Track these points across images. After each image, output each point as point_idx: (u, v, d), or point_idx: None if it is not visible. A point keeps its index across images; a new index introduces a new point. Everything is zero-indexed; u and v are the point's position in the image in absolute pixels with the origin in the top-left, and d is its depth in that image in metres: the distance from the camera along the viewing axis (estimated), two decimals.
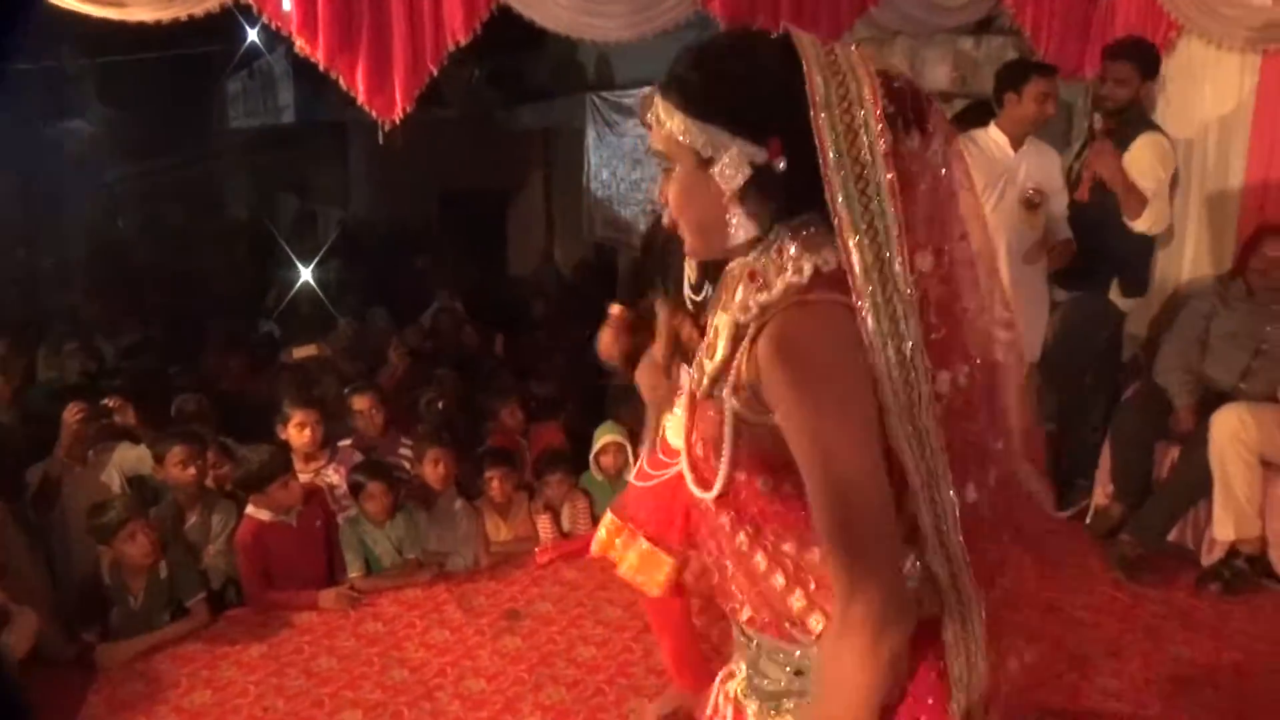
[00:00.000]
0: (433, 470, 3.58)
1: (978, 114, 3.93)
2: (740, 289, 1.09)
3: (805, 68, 1.00)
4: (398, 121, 3.39)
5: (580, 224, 8.62)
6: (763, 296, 1.06)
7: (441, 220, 11.64)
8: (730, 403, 1.07)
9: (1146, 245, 3.89)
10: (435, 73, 3.41)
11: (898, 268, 1.00)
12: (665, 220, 1.15)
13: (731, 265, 1.14)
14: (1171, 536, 3.53)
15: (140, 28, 3.27)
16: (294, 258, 9.32)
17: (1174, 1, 4.05)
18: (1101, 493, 3.78)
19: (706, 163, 1.05)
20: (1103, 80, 3.76)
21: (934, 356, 1.03)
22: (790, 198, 1.05)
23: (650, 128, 1.12)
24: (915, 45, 4.44)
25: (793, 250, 1.05)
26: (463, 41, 3.40)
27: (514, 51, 9.51)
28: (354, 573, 3.40)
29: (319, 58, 3.30)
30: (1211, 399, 3.45)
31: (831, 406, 1.00)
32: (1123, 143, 3.72)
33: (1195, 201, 4.06)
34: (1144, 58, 3.71)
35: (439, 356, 5.38)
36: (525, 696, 2.79)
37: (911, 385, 1.00)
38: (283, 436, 3.74)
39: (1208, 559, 3.40)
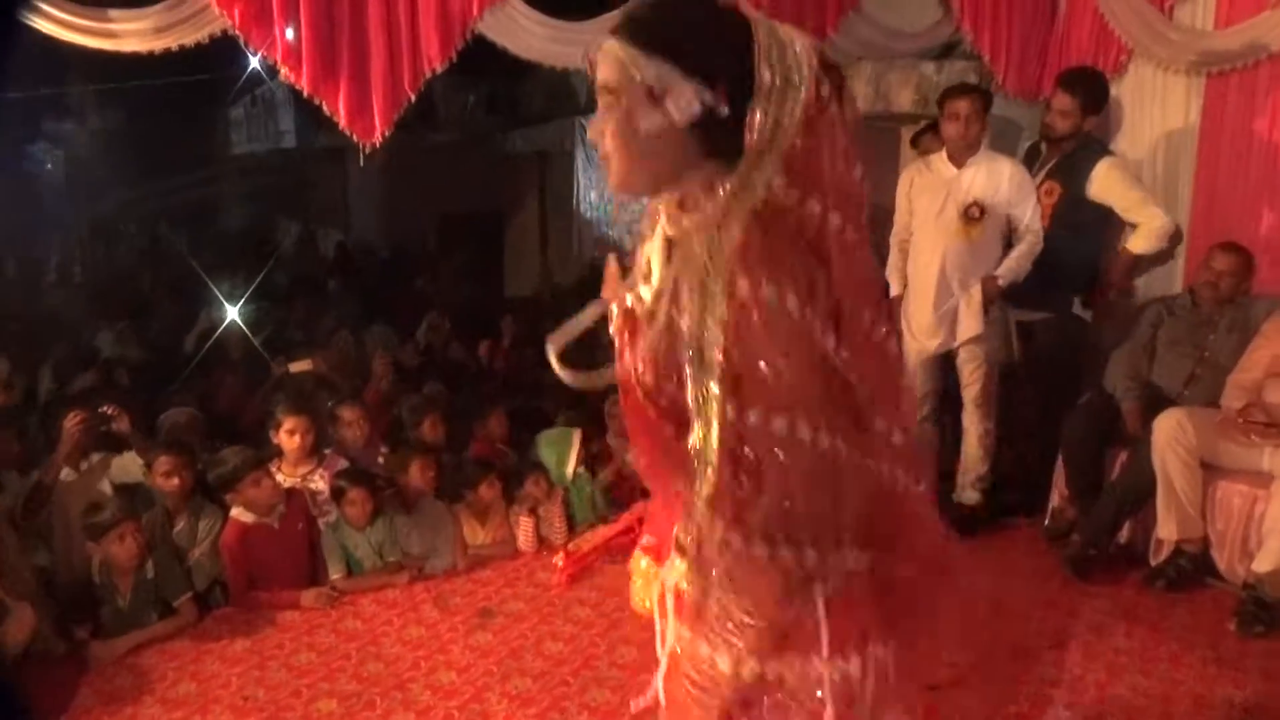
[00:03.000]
0: (420, 475, 3.77)
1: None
2: (666, 217, 1.22)
3: (753, 28, 1.14)
4: (377, 144, 3.58)
5: (572, 244, 8.84)
6: (695, 216, 1.17)
7: (440, 242, 11.89)
8: (679, 320, 1.16)
9: (1096, 262, 4.08)
10: (413, 98, 3.61)
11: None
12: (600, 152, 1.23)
13: (654, 202, 1.25)
14: (1123, 538, 3.68)
15: (146, 54, 3.47)
16: (293, 279, 9.56)
17: (1125, 27, 4.24)
18: (1057, 496, 3.93)
19: (656, 98, 1.15)
20: (1047, 107, 3.94)
21: None
22: (721, 141, 1.15)
23: (594, 68, 1.21)
24: (879, 69, 4.63)
25: (716, 178, 1.16)
26: (439, 68, 3.60)
27: (508, 77, 9.79)
28: (335, 574, 3.55)
29: (303, 85, 3.50)
30: (1159, 405, 3.60)
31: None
32: (1076, 172, 3.90)
33: None
34: (1089, 91, 3.88)
35: (427, 371, 5.56)
36: (493, 687, 2.93)
37: None
38: (275, 441, 3.90)
39: (1155, 559, 3.53)
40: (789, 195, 1.12)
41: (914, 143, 4.54)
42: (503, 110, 10.69)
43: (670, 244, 1.22)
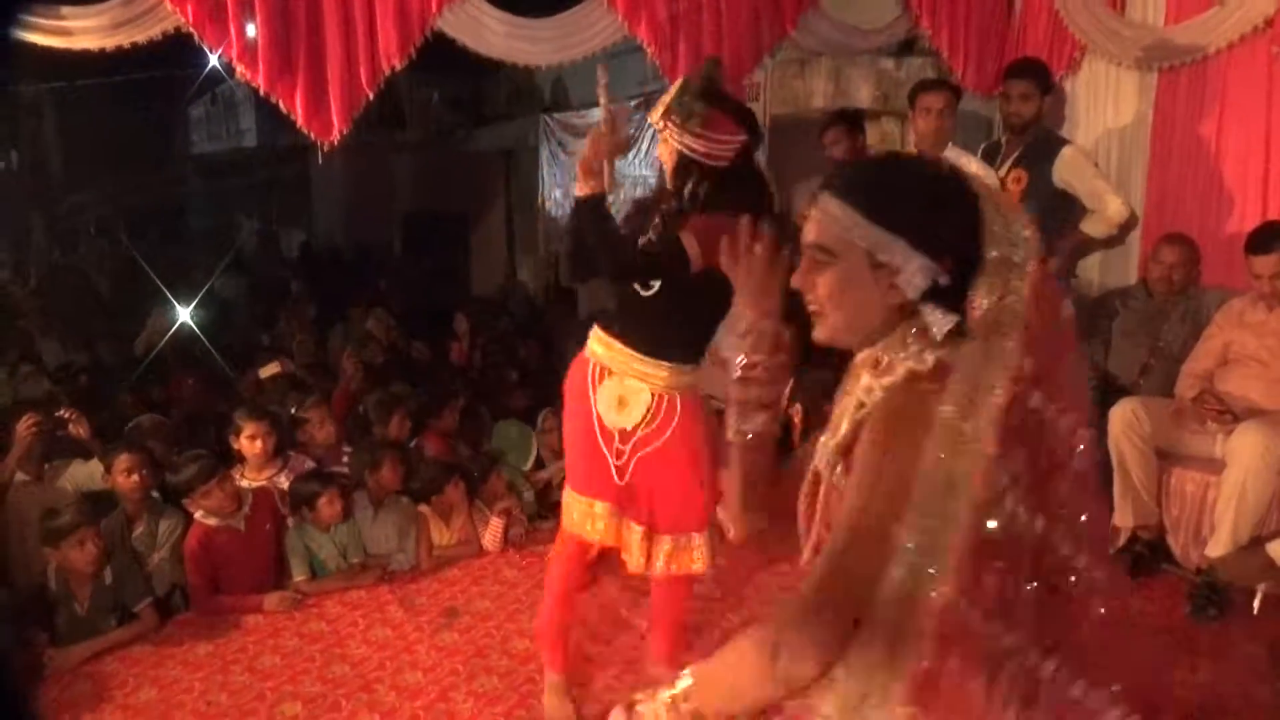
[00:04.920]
0: (391, 473, 3.76)
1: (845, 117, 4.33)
2: (865, 375, 1.22)
3: (979, 201, 1.16)
4: (335, 143, 3.55)
5: (537, 242, 8.81)
6: (885, 380, 1.18)
7: (405, 241, 11.81)
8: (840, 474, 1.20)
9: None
10: (371, 96, 3.57)
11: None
12: (811, 307, 1.25)
13: (860, 356, 1.25)
14: None
15: (102, 52, 3.41)
16: (254, 280, 9.46)
17: (1078, 23, 4.32)
18: None
19: (877, 264, 1.17)
20: (1007, 98, 4.00)
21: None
22: (935, 309, 1.17)
23: (804, 220, 1.23)
24: (838, 66, 4.66)
25: (916, 343, 1.17)
26: (398, 66, 3.57)
27: (473, 75, 9.74)
28: (299, 576, 3.52)
29: (259, 83, 3.45)
30: (1114, 394, 3.66)
31: (896, 472, 1.09)
32: (1039, 161, 3.96)
33: None
34: (1040, 74, 3.97)
35: (391, 369, 5.52)
36: (459, 686, 2.93)
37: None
38: (235, 446, 3.87)
39: (1113, 547, 3.60)
40: (1026, 392, 1.10)
41: (821, 134, 4.44)
42: (467, 108, 10.63)
43: (860, 405, 1.21)
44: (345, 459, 3.96)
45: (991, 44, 4.62)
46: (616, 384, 2.49)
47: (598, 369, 2.53)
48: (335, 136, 3.56)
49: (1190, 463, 3.45)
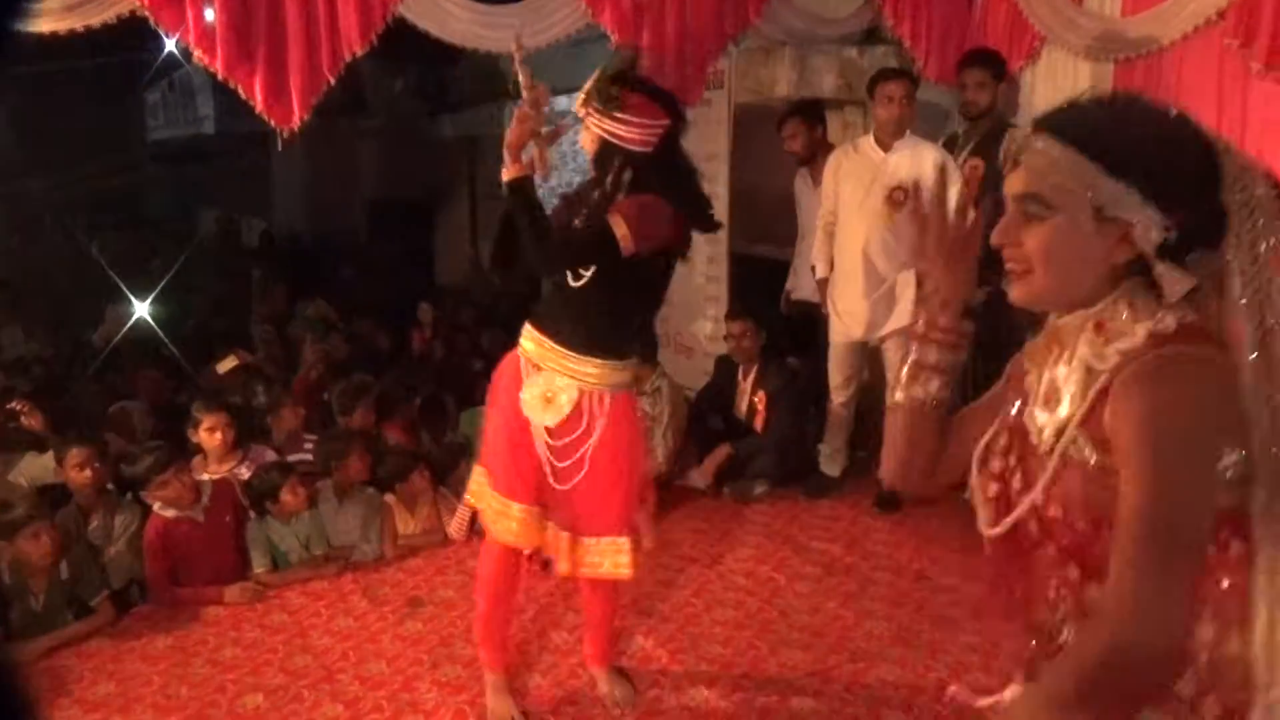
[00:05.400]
0: (359, 465, 3.73)
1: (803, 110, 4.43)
2: (1083, 341, 1.10)
3: (1217, 149, 1.04)
4: (295, 129, 3.50)
5: None
6: (1124, 344, 1.06)
7: (368, 229, 11.69)
8: (1094, 457, 1.07)
9: None
10: (332, 82, 3.53)
11: None
12: (1010, 265, 1.14)
13: (1064, 319, 1.14)
14: None
15: (55, 36, 3.33)
16: (215, 269, 9.32)
17: (1037, 13, 4.36)
18: None
19: (1103, 219, 1.05)
20: (963, 87, 4.05)
21: None
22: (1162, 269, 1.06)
23: (1011, 165, 1.12)
24: (802, 54, 4.68)
25: (1143, 304, 1.07)
26: (359, 52, 3.53)
27: (437, 61, 9.65)
28: (259, 568, 3.49)
29: (217, 68, 3.40)
30: None
31: (1188, 453, 1.01)
32: (995, 149, 4.02)
33: None
34: (994, 63, 4.04)
35: (355, 359, 5.49)
36: (423, 675, 2.92)
37: None
38: (194, 439, 3.82)
39: None
40: None
41: (779, 127, 4.49)
42: (431, 95, 10.53)
43: (1089, 372, 1.09)
44: (307, 447, 3.92)
45: (953, 34, 4.67)
46: (544, 381, 2.40)
47: (527, 365, 2.45)
48: (296, 123, 3.52)
49: None
